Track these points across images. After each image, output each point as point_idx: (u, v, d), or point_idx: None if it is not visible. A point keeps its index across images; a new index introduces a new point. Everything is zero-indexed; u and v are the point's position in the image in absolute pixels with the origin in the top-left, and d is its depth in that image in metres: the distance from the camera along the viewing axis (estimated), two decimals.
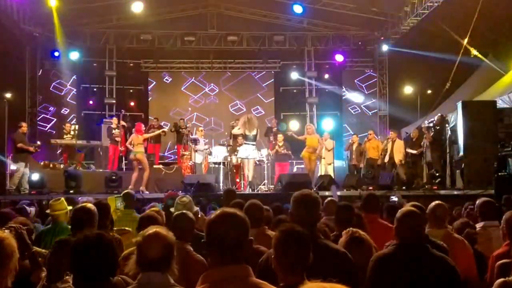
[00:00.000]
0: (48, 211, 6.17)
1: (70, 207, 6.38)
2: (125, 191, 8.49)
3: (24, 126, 13.96)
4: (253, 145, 13.49)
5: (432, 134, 14.39)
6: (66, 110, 19.67)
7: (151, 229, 3.00)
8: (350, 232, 3.88)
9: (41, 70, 19.60)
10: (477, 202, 5.73)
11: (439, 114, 15.00)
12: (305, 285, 1.54)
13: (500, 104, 13.76)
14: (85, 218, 4.60)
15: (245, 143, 13.58)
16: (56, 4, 16.40)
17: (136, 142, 13.67)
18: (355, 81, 21.03)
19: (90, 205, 4.90)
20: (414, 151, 14.77)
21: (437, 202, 4.91)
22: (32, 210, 7.70)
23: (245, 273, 2.47)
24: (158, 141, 17.67)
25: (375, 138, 15.81)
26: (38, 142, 14.38)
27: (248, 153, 13.49)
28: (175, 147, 18.38)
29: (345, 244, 3.74)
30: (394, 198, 10.67)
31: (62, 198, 6.23)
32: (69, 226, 5.78)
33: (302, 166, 17.22)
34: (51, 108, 19.64)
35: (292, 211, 3.52)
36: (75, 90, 19.94)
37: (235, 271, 2.45)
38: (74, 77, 19.83)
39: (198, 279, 2.53)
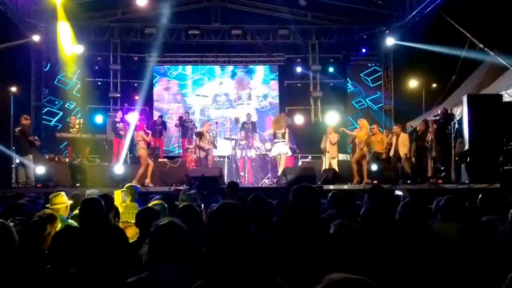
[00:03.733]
0: (48, 205, 6.21)
1: (70, 201, 6.43)
2: (129, 184, 8.52)
3: (29, 119, 14.08)
4: (283, 141, 14.58)
5: (436, 128, 14.35)
6: (71, 104, 19.71)
7: (166, 220, 3.00)
8: (337, 222, 3.89)
9: (46, 64, 19.64)
10: (480, 196, 5.69)
11: (442, 108, 14.95)
12: (332, 275, 1.54)
13: (506, 97, 13.70)
14: (93, 209, 4.65)
15: (276, 142, 14.66)
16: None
17: (136, 138, 14.16)
18: (360, 74, 21.00)
19: (97, 197, 4.96)
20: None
21: (449, 196, 4.93)
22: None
23: (247, 266, 2.45)
24: (161, 135, 17.75)
25: (380, 132, 15.73)
26: (36, 137, 14.39)
27: (280, 150, 14.54)
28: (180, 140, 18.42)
29: (334, 233, 3.74)
30: (399, 193, 10.62)
31: (62, 193, 6.27)
32: (69, 220, 5.85)
33: (307, 160, 17.23)
34: (56, 102, 19.70)
35: (292, 204, 3.53)
36: (80, 84, 19.98)
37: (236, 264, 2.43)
38: (79, 71, 19.87)
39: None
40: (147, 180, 13.75)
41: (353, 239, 3.56)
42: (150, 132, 14.81)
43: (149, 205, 5.60)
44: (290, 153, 15.12)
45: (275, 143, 14.67)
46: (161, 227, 2.93)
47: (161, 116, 18.33)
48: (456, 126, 14.09)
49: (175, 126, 17.98)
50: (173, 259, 2.86)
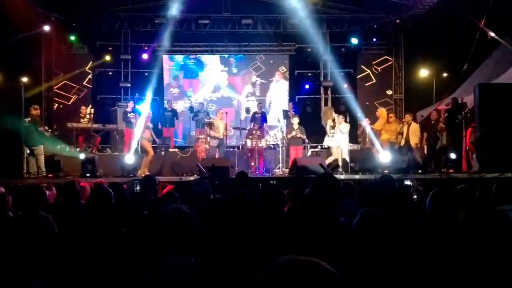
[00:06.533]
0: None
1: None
2: (146, 174, 8.59)
3: (38, 109, 14.17)
4: (333, 132, 15.11)
5: (446, 117, 14.30)
6: (82, 94, 19.77)
7: (172, 207, 2.89)
8: (363, 211, 3.89)
9: (57, 54, 19.68)
10: (494, 185, 5.66)
11: (452, 97, 14.89)
12: (280, 258, 1.54)
13: None
14: (101, 197, 4.68)
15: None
16: None
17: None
18: (371, 64, 20.89)
19: (106, 187, 5.00)
20: None
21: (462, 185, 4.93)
22: None
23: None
24: (173, 125, 17.76)
25: (395, 121, 15.64)
26: (46, 127, 14.49)
27: (330, 141, 15.16)
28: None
29: (358, 222, 3.74)
30: (408, 182, 10.58)
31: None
32: None
33: (317, 149, 17.22)
34: (68, 92, 19.74)
35: (312, 194, 3.53)
36: (90, 74, 20.04)
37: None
38: (90, 61, 19.94)
39: None
40: (141, 170, 13.69)
41: (379, 229, 3.55)
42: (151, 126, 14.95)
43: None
44: (346, 142, 15.30)
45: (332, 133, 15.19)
46: (166, 214, 2.80)
47: (170, 101, 18.36)
48: (468, 115, 14.03)
49: (192, 119, 17.84)
50: (181, 248, 2.72)
